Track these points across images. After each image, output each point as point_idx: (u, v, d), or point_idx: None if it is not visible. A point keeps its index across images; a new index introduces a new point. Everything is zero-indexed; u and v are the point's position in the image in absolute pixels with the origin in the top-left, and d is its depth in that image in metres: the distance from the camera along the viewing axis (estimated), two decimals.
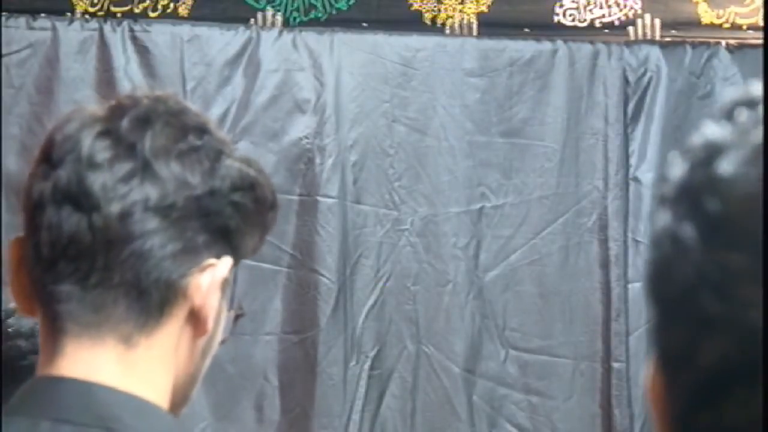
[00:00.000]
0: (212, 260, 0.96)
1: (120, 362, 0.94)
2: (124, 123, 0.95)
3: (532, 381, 3.48)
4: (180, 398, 1.00)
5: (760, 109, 0.51)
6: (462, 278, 3.47)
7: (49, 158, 0.95)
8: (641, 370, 3.38)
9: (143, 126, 0.95)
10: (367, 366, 3.41)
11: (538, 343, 3.49)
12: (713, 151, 0.50)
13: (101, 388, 0.93)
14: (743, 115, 0.51)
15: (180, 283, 0.95)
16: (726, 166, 0.49)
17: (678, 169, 0.51)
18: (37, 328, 1.40)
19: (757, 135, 0.49)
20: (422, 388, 3.43)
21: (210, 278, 0.96)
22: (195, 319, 0.97)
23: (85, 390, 0.93)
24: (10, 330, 1.49)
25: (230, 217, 0.97)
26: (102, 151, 0.94)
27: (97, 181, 0.93)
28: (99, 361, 0.94)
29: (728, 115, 0.51)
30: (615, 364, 3.47)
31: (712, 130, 0.51)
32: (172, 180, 0.94)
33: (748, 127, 0.50)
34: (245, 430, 3.36)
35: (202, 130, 0.98)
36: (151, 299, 0.94)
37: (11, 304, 1.52)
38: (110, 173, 0.93)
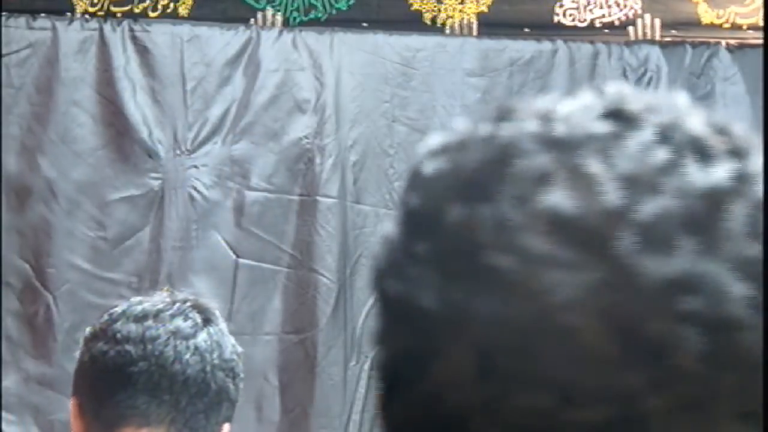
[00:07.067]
0: None
1: None
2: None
3: None
4: None
5: None
6: None
7: None
8: None
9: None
10: (367, 366, 3.41)
11: None
12: None
13: None
14: None
15: None
16: None
17: None
18: (148, 334, 1.37)
19: None
20: None
21: None
22: None
23: None
24: (118, 335, 1.40)
25: None
26: None
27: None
28: None
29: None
30: None
31: None
32: None
33: None
34: (245, 430, 3.36)
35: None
36: None
37: (118, 307, 1.43)
38: None
